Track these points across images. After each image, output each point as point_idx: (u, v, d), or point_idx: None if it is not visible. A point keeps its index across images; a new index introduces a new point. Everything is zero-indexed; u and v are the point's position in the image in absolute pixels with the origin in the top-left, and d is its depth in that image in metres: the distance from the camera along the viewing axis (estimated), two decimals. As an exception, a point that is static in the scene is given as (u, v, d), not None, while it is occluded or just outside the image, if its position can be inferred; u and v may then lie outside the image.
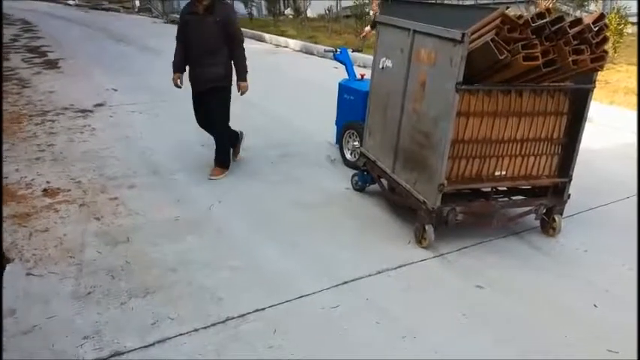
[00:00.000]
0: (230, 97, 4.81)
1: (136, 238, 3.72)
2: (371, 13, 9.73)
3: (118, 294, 3.07)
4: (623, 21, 10.36)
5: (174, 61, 4.76)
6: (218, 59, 4.64)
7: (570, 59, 3.11)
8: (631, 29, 13.42)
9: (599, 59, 3.23)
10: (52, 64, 10.73)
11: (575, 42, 3.13)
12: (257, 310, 2.93)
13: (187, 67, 4.77)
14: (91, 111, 7.09)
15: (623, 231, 3.91)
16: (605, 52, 3.27)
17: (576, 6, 15.25)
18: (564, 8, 16.37)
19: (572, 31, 3.10)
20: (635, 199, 4.42)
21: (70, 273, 3.27)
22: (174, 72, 4.74)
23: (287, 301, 3.01)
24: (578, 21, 3.19)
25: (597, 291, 3.17)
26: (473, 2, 18.14)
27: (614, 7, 13.47)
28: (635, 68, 9.73)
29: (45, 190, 4.51)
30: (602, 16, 3.25)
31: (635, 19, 14.49)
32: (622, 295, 3.12)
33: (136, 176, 4.83)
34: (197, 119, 4.98)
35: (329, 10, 15.80)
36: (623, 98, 7.48)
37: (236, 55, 4.73)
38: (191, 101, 4.91)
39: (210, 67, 4.63)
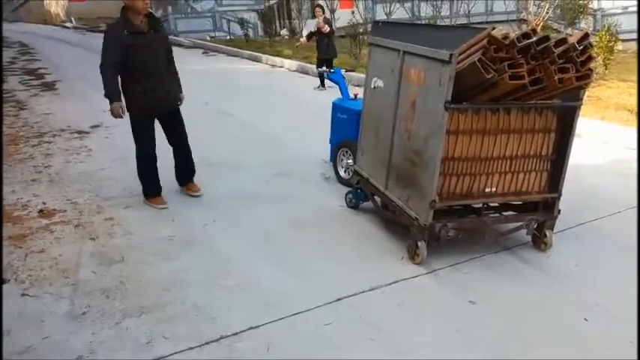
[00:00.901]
0: None
1: (130, 257, 3.74)
2: (315, 23, 10.09)
3: (112, 314, 3.09)
4: (613, 38, 10.53)
5: (112, 90, 4.30)
6: (175, 77, 4.66)
7: (556, 78, 3.18)
8: (621, 46, 13.63)
9: (585, 77, 3.29)
10: (49, 86, 10.83)
11: (561, 61, 3.20)
12: (251, 328, 2.95)
13: (129, 93, 4.41)
14: (87, 132, 7.15)
15: (613, 246, 3.95)
16: (591, 70, 3.33)
17: (567, 24, 15.48)
18: (555, 26, 16.63)
19: (557, 51, 3.17)
20: (626, 213, 4.46)
21: (65, 293, 3.30)
22: (115, 101, 4.32)
23: (281, 319, 3.03)
24: (563, 40, 3.26)
25: (588, 305, 3.19)
26: (466, 21, 18.43)
27: (604, 25, 13.70)
28: (625, 85, 9.87)
29: (41, 211, 4.54)
30: (586, 36, 3.31)
31: (625, 37, 14.71)
32: (612, 309, 3.15)
33: (131, 196, 4.86)
34: (151, 145, 4.59)
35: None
36: (614, 114, 7.58)
37: (174, 68, 4.69)
38: (185, 122, 4.82)
39: (172, 86, 4.60)
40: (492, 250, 3.82)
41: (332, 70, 5.61)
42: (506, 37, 3.19)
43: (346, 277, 3.48)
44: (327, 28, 9.78)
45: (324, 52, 9.88)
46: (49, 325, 2.99)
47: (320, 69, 7.72)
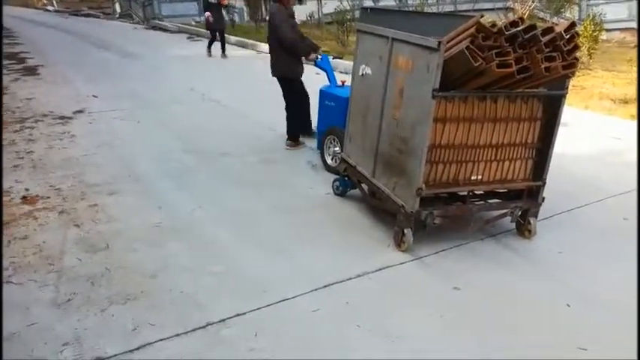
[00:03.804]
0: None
1: (115, 244, 3.71)
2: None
3: (98, 301, 3.07)
4: (598, 28, 10.60)
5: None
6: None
7: (543, 66, 3.20)
8: (605, 36, 13.74)
9: (571, 66, 3.32)
10: (31, 71, 10.64)
11: (548, 50, 3.21)
12: (238, 315, 2.95)
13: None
14: (70, 118, 7.05)
15: (597, 233, 4.01)
16: (577, 59, 3.36)
17: (553, 13, 15.57)
18: (541, 15, 16.71)
19: (544, 39, 3.19)
20: (607, 201, 4.53)
21: (49, 280, 3.26)
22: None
23: (268, 305, 3.04)
24: (549, 29, 3.27)
25: (571, 291, 3.24)
26: (453, 8, 18.43)
27: (589, 14, 13.79)
28: (609, 74, 9.97)
29: (24, 197, 4.48)
30: (573, 25, 3.34)
31: (609, 26, 14.83)
32: (595, 296, 3.20)
33: (116, 183, 4.82)
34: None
35: (311, 17, 15.91)
36: (597, 103, 7.67)
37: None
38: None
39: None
40: (478, 238, 3.86)
41: (319, 57, 5.58)
42: (494, 25, 3.21)
43: (333, 264, 3.49)
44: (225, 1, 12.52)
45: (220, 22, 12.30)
46: (34, 312, 2.96)
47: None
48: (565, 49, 3.26)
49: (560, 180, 4.83)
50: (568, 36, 3.27)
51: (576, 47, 3.34)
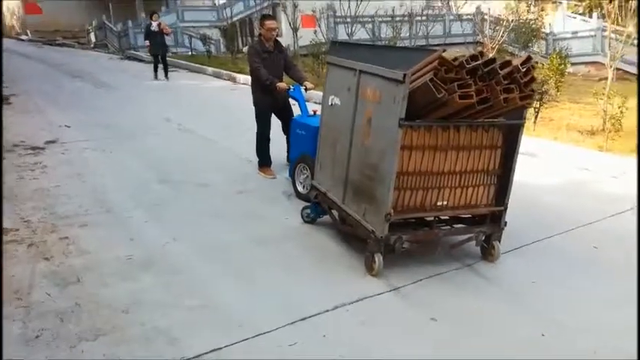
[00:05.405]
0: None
1: (86, 278, 3.62)
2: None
3: (67, 337, 2.97)
4: (563, 61, 10.99)
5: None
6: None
7: (501, 97, 3.38)
8: (572, 69, 14.24)
9: (527, 97, 3.54)
10: (3, 100, 10.46)
11: (506, 82, 3.42)
12: (214, 350, 2.89)
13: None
14: (42, 148, 6.94)
15: (568, 262, 4.08)
16: (533, 90, 3.58)
17: (521, 47, 16.11)
18: (510, 49, 17.27)
19: (502, 72, 3.41)
20: (578, 230, 4.63)
21: (17, 315, 3.16)
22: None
23: (244, 340, 2.99)
24: (507, 62, 3.50)
25: (545, 321, 3.28)
26: (425, 42, 18.92)
27: (555, 48, 14.30)
28: (576, 106, 10.32)
29: (-8, 230, 4.35)
30: (529, 58, 3.56)
31: (575, 60, 15.38)
32: (569, 324, 3.25)
33: (88, 215, 4.73)
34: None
35: (287, 49, 16.10)
36: (566, 135, 7.90)
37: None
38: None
39: None
40: (453, 267, 3.89)
41: (292, 87, 5.67)
42: (456, 59, 3.40)
43: (310, 296, 3.47)
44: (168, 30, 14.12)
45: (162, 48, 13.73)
46: None
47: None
48: (522, 81, 3.47)
49: (530, 210, 4.94)
50: (524, 69, 3.48)
51: (532, 80, 3.56)
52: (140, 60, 18.26)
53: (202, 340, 2.97)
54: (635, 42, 11.46)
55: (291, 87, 5.66)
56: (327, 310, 3.30)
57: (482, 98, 3.35)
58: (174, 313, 3.25)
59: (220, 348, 2.91)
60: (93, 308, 3.27)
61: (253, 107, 5.89)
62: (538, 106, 8.01)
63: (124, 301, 3.35)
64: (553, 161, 6.75)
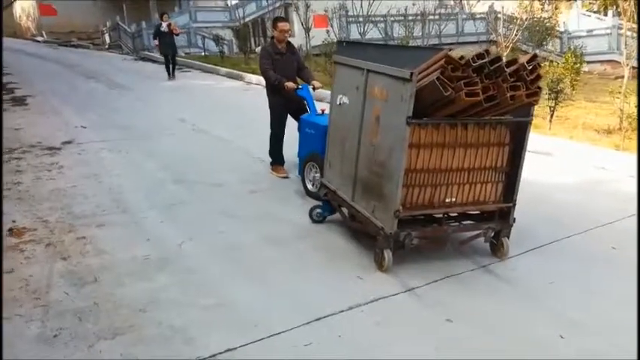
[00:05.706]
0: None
1: (104, 278, 3.66)
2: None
3: (85, 336, 3.00)
4: (579, 60, 10.88)
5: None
6: None
7: (508, 95, 3.38)
8: (587, 67, 14.09)
9: (534, 94, 3.53)
10: (19, 101, 10.62)
11: (512, 79, 3.41)
12: (229, 350, 2.90)
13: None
14: (59, 148, 7.02)
15: (586, 262, 4.04)
16: (539, 88, 3.58)
17: (535, 45, 15.96)
18: (524, 47, 17.12)
19: (508, 70, 3.41)
20: (597, 230, 4.57)
21: (35, 315, 3.20)
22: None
23: (259, 340, 3.00)
24: (513, 60, 3.51)
25: (563, 321, 3.25)
26: (437, 41, 18.81)
27: (570, 47, 14.15)
28: (592, 105, 10.20)
29: (10, 229, 4.41)
30: (534, 56, 3.56)
31: (590, 58, 15.21)
32: (587, 324, 3.21)
33: (104, 215, 4.77)
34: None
35: (299, 49, 16.12)
36: (582, 134, 7.81)
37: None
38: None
39: None
40: (469, 268, 3.86)
41: (300, 87, 5.69)
42: (462, 57, 3.39)
43: (324, 296, 3.47)
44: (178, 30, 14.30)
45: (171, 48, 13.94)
46: (19, 348, 2.89)
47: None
48: (528, 78, 3.46)
49: (547, 210, 4.89)
50: (530, 67, 3.48)
51: (538, 77, 3.55)
52: (154, 61, 18.38)
53: (217, 339, 2.98)
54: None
55: (300, 86, 5.69)
56: (342, 311, 3.30)
57: (488, 96, 3.37)
58: (190, 312, 3.27)
59: (236, 348, 2.92)
60: (111, 307, 3.30)
61: (268, 109, 5.92)
62: (554, 105, 7.94)
63: (141, 301, 3.37)
64: (569, 160, 6.68)
